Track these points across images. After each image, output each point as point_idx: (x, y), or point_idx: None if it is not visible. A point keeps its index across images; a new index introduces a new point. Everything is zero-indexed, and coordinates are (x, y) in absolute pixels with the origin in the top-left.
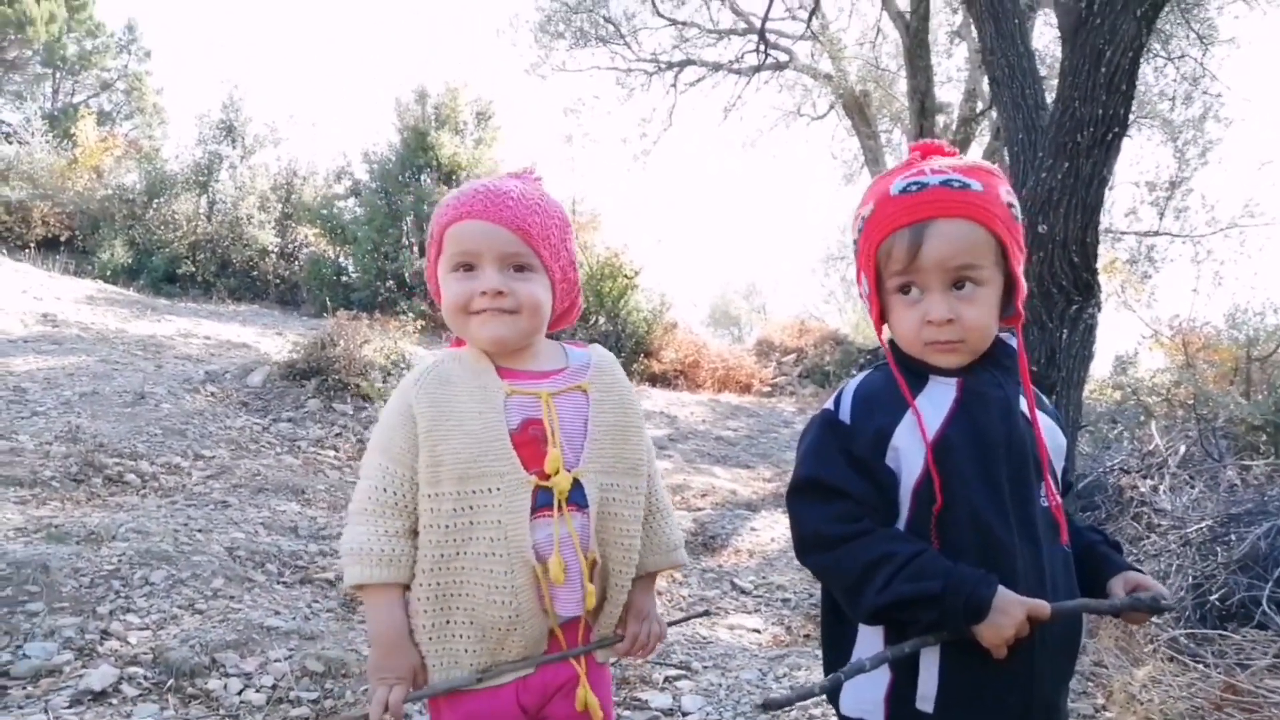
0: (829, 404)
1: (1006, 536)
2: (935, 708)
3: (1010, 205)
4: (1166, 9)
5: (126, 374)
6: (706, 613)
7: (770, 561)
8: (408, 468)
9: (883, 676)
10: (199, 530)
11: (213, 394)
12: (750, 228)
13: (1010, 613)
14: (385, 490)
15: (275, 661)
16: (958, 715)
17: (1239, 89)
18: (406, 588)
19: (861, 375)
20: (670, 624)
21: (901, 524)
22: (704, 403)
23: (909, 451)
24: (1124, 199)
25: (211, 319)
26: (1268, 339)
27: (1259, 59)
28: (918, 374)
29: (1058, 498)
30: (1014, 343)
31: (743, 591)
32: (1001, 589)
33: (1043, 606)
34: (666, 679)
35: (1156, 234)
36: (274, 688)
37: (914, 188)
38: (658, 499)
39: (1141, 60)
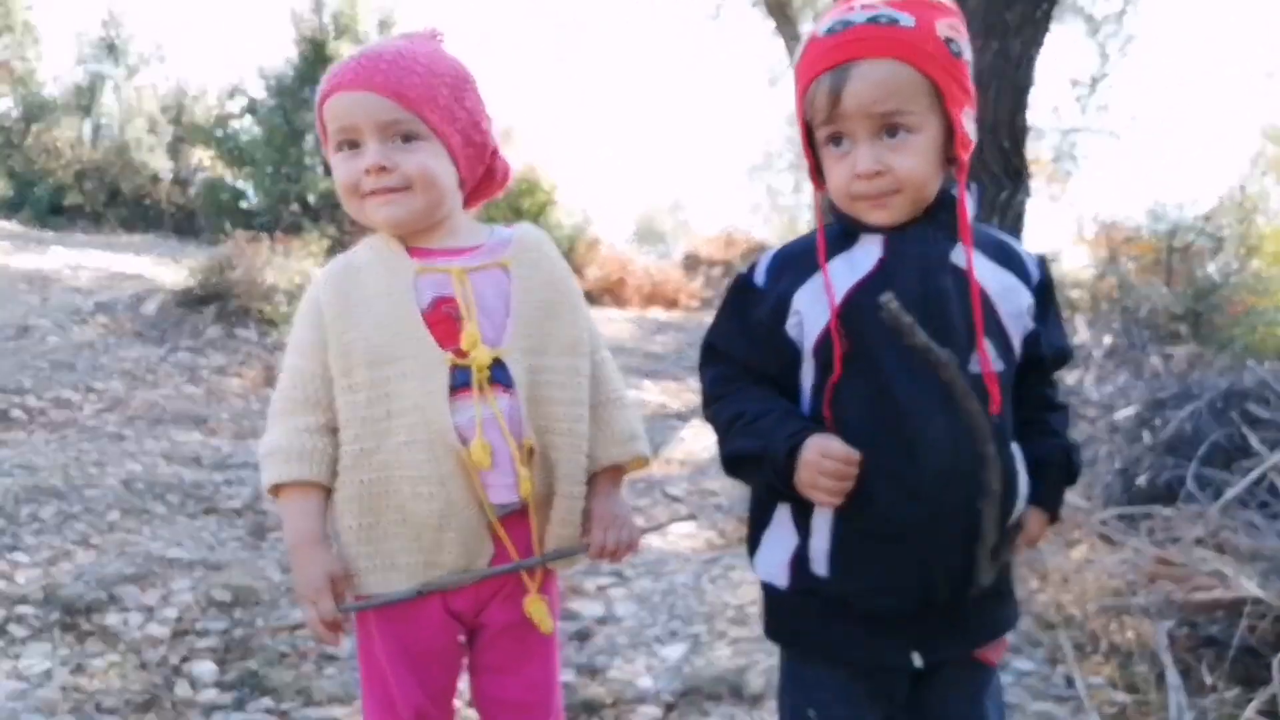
0: (748, 266)
1: (914, 406)
2: (828, 570)
3: (949, 41)
4: None
5: (9, 308)
6: (691, 517)
7: (702, 470)
8: (318, 363)
9: (789, 538)
10: (92, 464)
11: (104, 325)
12: (674, 139)
13: (806, 458)
14: (296, 388)
15: (179, 593)
16: (850, 580)
17: None
18: (330, 492)
19: (793, 239)
20: (646, 530)
21: (806, 389)
22: (631, 319)
23: (811, 314)
24: (1047, 96)
25: (102, 250)
26: (1187, 230)
27: None
28: (849, 234)
29: (991, 364)
30: (957, 190)
31: (674, 499)
32: (810, 439)
33: (842, 449)
34: (599, 587)
35: (1079, 130)
36: (179, 620)
37: (839, 26)
38: (610, 386)
39: None
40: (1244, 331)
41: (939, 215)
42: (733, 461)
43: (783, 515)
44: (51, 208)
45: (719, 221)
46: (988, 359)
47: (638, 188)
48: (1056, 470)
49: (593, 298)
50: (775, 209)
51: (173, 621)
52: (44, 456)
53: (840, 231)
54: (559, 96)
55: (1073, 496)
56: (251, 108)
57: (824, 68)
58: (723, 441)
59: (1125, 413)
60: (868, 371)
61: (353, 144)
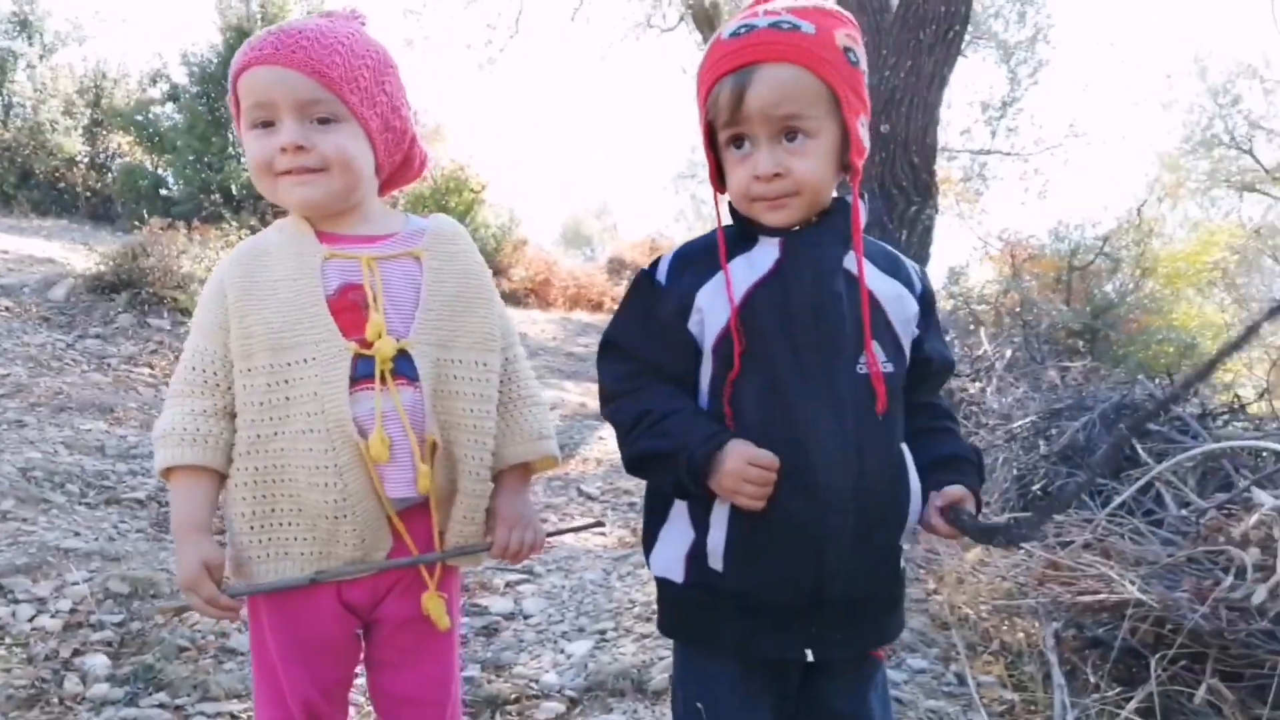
0: (650, 263)
1: (804, 403)
2: (724, 565)
3: (847, 50)
4: None
5: None
6: (598, 524)
7: (617, 469)
8: (219, 344)
9: (686, 534)
10: None
11: (8, 309)
12: (602, 145)
13: (729, 467)
14: (194, 369)
15: (73, 585)
16: (744, 575)
17: (1066, 12)
18: (224, 478)
19: (694, 238)
20: (553, 534)
21: (704, 385)
22: (555, 320)
23: (712, 312)
24: (959, 118)
25: (10, 233)
26: (1087, 250)
27: None
28: (748, 236)
29: (879, 366)
30: (851, 197)
31: (589, 497)
32: (732, 444)
33: (766, 456)
34: (508, 584)
35: (988, 152)
36: (72, 611)
37: (743, 30)
38: (521, 384)
39: None
40: (1138, 348)
41: (833, 220)
42: (639, 460)
43: (679, 511)
44: None
45: (644, 227)
46: (875, 359)
47: (565, 191)
48: (971, 463)
49: (518, 298)
50: (699, 217)
51: (65, 614)
52: None
53: (739, 233)
54: (489, 97)
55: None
56: (174, 94)
57: (727, 69)
58: (627, 440)
59: (1023, 422)
60: (763, 369)
61: (267, 122)
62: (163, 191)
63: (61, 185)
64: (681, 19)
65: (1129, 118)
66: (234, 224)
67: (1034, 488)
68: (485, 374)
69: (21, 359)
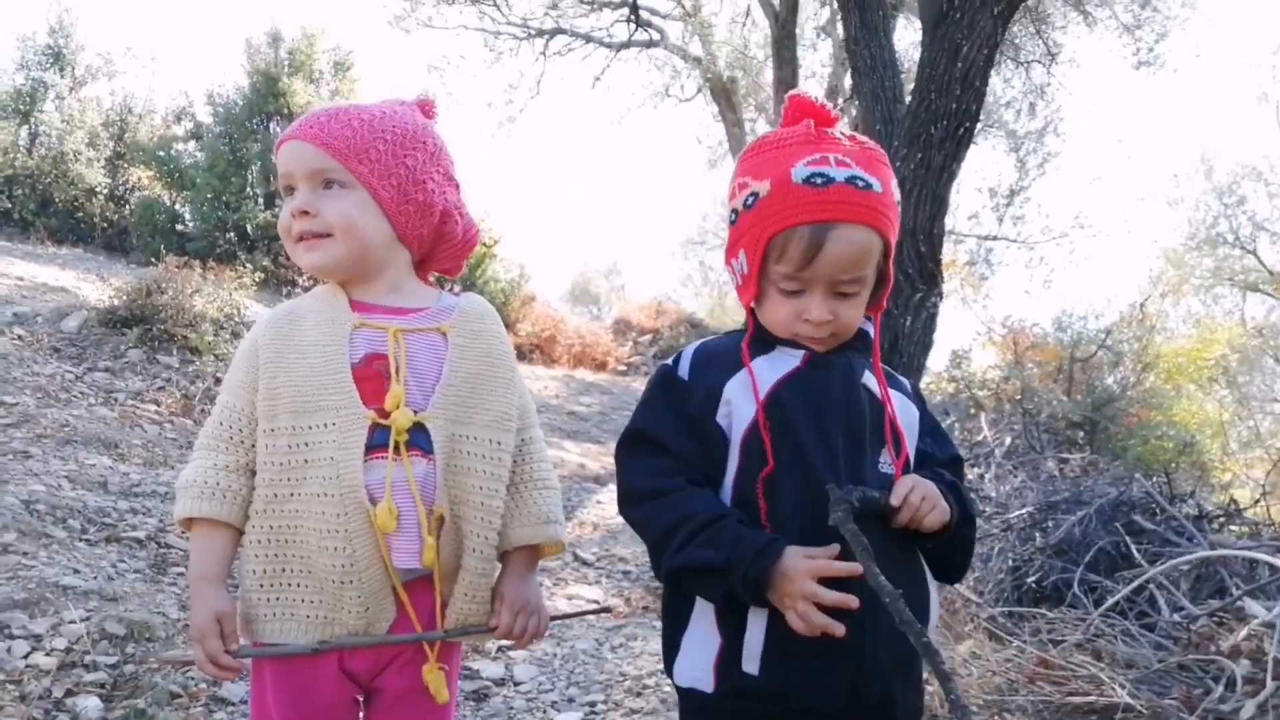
0: (670, 360)
1: None
2: (760, 669)
3: (897, 201)
4: (1019, 15)
5: None
6: (605, 609)
7: (614, 535)
8: (247, 403)
9: (713, 641)
10: None
11: (20, 337)
12: (615, 205)
13: (793, 578)
14: (221, 424)
15: (70, 623)
16: (782, 679)
17: (1077, 106)
18: (241, 534)
19: (705, 338)
20: (556, 618)
21: (729, 479)
22: (558, 378)
23: (740, 404)
24: (967, 204)
25: (27, 260)
26: (1089, 342)
27: (1094, 79)
28: (765, 341)
29: (905, 457)
30: (870, 329)
31: (584, 563)
32: (788, 554)
33: (831, 565)
34: (500, 648)
35: (995, 238)
36: (67, 651)
37: (819, 180)
38: (534, 466)
39: (994, 64)
40: (1137, 443)
41: (855, 344)
42: (683, 573)
43: (702, 614)
44: None
45: (652, 289)
46: (895, 460)
47: (576, 249)
48: (950, 476)
49: (523, 353)
50: (706, 283)
51: (60, 653)
52: None
53: (759, 338)
54: (506, 154)
55: (965, 591)
56: (197, 132)
57: (802, 220)
58: (667, 549)
59: (1020, 513)
60: (797, 462)
61: (289, 189)
62: (179, 227)
63: (80, 215)
64: (700, 91)
65: (1135, 213)
66: (248, 265)
67: (1029, 580)
68: (498, 453)
69: (31, 389)
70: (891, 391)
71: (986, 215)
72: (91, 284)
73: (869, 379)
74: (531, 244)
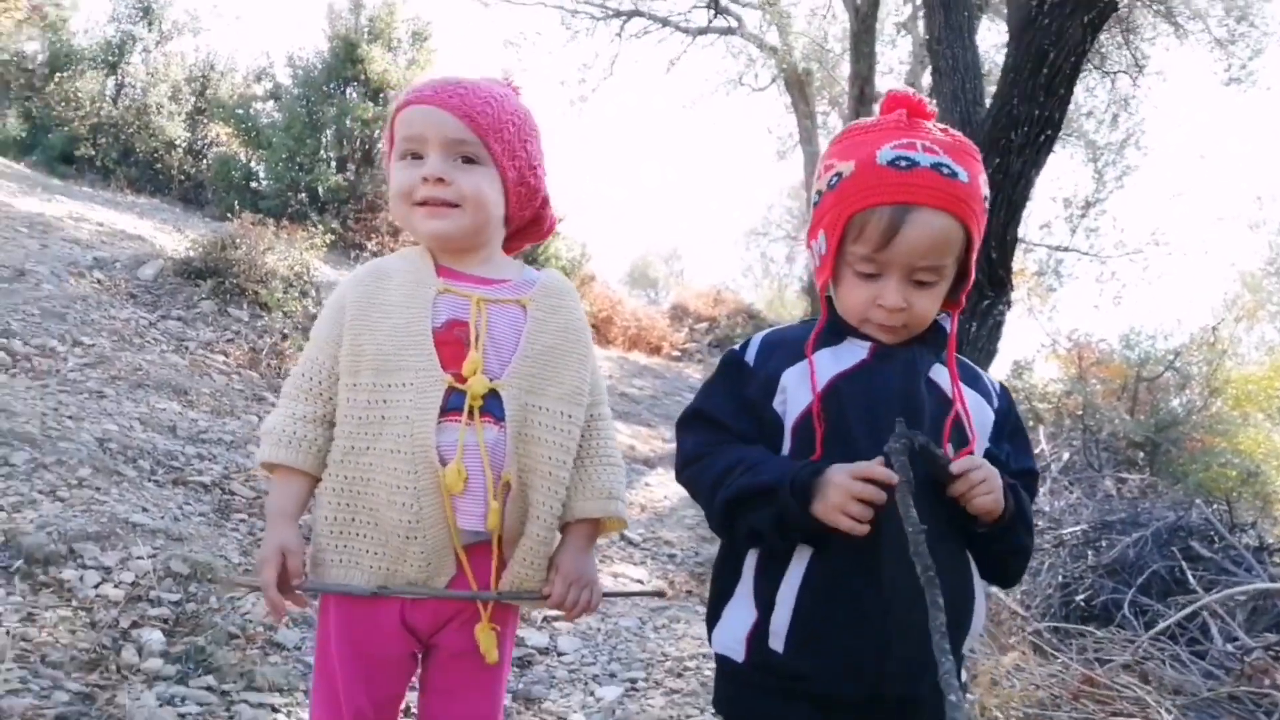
0: (739, 345)
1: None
2: (785, 647)
3: (985, 198)
4: (1108, 24)
5: (7, 249)
6: (659, 593)
7: (661, 518)
8: (330, 357)
9: (749, 615)
10: (69, 417)
11: (99, 281)
12: (680, 190)
13: (835, 481)
14: (305, 375)
15: (138, 558)
16: (806, 658)
17: (1161, 120)
18: (317, 480)
19: (779, 325)
20: (609, 595)
21: None
22: (613, 359)
23: (795, 392)
24: (1040, 212)
25: (107, 206)
26: (1156, 362)
27: (1182, 93)
28: (836, 331)
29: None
30: (948, 324)
31: (631, 543)
32: (834, 466)
33: (871, 468)
34: (545, 619)
35: (1066, 249)
36: (134, 584)
37: (903, 163)
38: (601, 442)
39: (1080, 72)
40: (1199, 468)
41: (926, 337)
42: (734, 502)
43: (745, 589)
44: (63, 156)
45: (711, 277)
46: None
47: (637, 232)
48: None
49: None
50: (766, 275)
51: (128, 585)
52: (23, 402)
53: (831, 328)
54: (575, 133)
55: (1011, 603)
56: (276, 93)
57: (883, 200)
58: (719, 487)
59: (1073, 530)
60: (844, 455)
61: (416, 155)
62: (253, 184)
63: (158, 166)
64: (774, 81)
65: (1214, 233)
66: (319, 226)
67: (1078, 598)
68: (568, 425)
69: (107, 332)
70: (966, 389)
71: (1059, 225)
72: (168, 234)
73: (939, 374)
74: (594, 224)
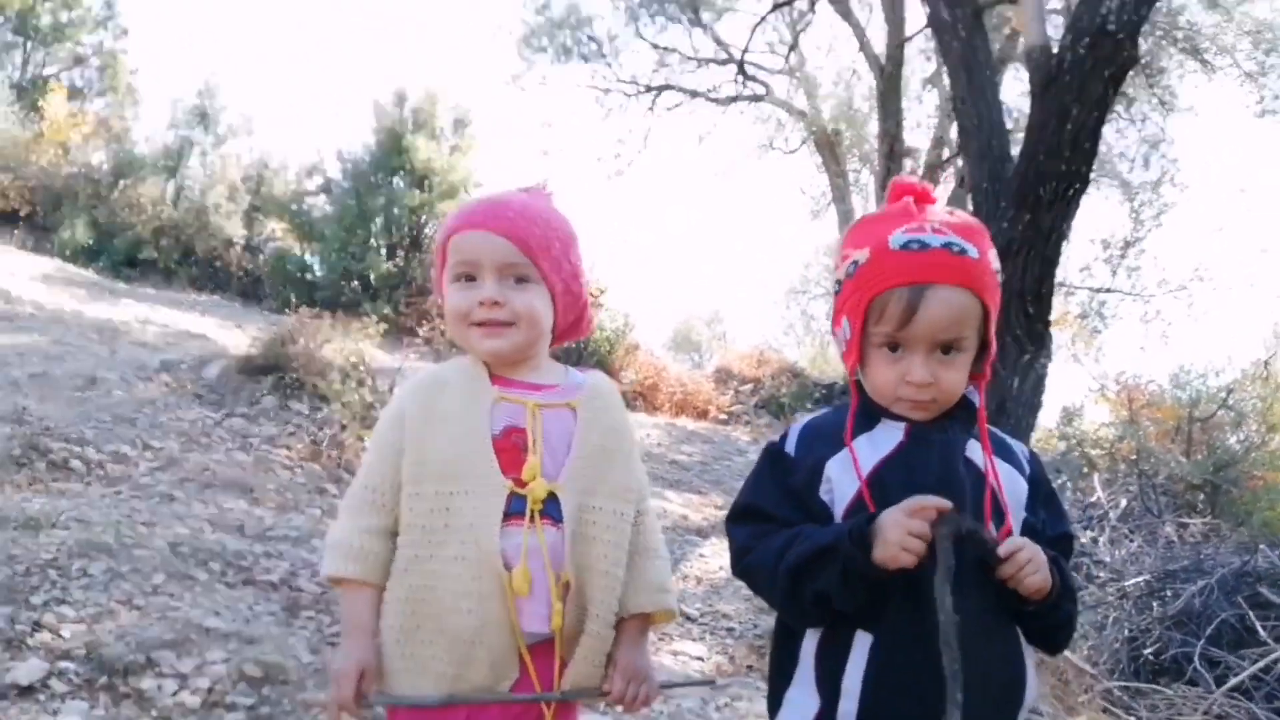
0: (777, 436)
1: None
2: None
3: (997, 271)
4: (1132, 73)
5: (79, 357)
6: (710, 683)
7: (717, 589)
8: (393, 467)
9: (812, 701)
10: (143, 523)
11: (167, 383)
12: (718, 254)
13: (891, 520)
14: (368, 488)
15: (213, 664)
16: None
17: (1196, 155)
18: (383, 589)
19: (814, 413)
20: (665, 686)
21: None
22: (661, 426)
23: (841, 482)
24: (1079, 254)
25: (170, 306)
26: (1209, 400)
27: (1215, 128)
28: (870, 415)
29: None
30: (975, 397)
31: (688, 618)
32: (885, 513)
33: (924, 501)
34: (607, 707)
35: (1108, 291)
36: (210, 690)
37: (915, 245)
38: (647, 535)
39: (1105, 121)
40: (1263, 507)
41: (957, 413)
42: (796, 571)
43: (805, 675)
44: (127, 260)
45: (753, 338)
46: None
47: (678, 296)
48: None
49: (626, 401)
50: (808, 332)
51: (204, 691)
52: (98, 511)
53: (863, 411)
54: (613, 205)
55: (1079, 661)
56: (327, 187)
57: (900, 282)
58: (778, 564)
59: (1136, 581)
60: None
61: (470, 277)
62: (308, 276)
63: (218, 264)
64: (804, 143)
65: (1258, 265)
66: (372, 314)
67: (1146, 652)
68: (621, 523)
69: (175, 433)
70: (999, 462)
71: (1099, 267)
72: (229, 331)
73: (974, 450)
74: (636, 292)
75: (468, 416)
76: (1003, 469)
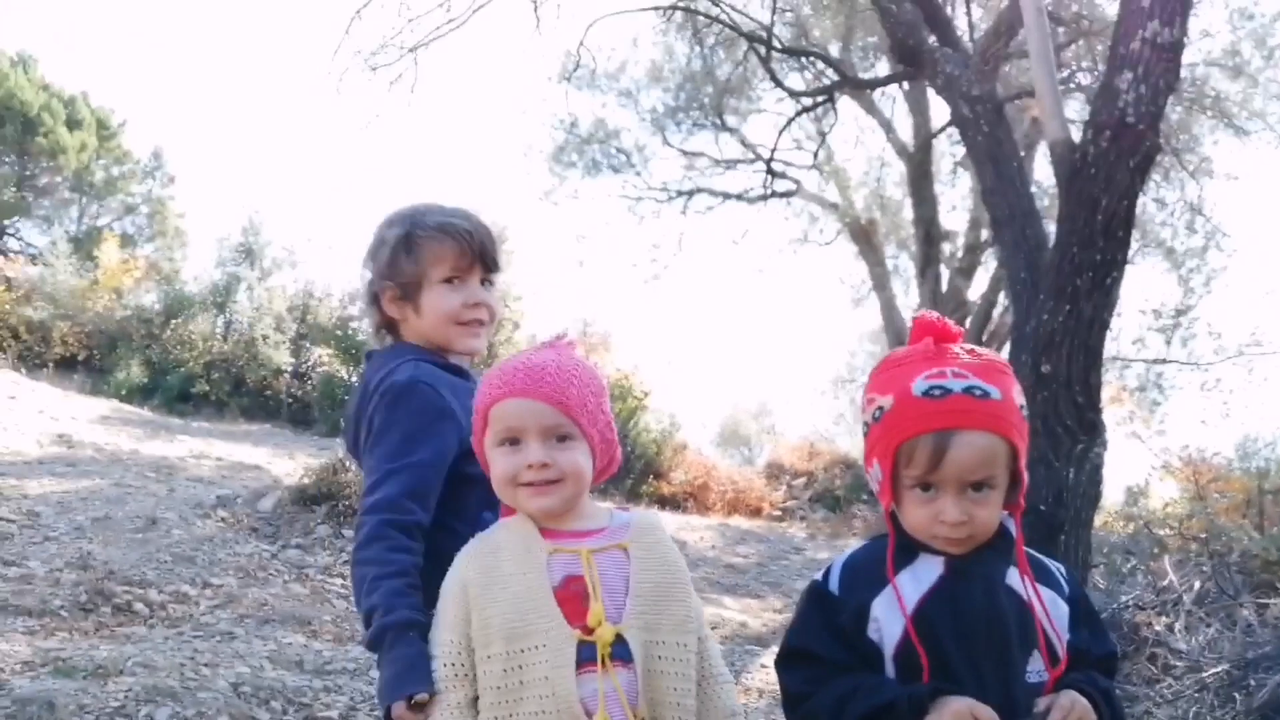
0: (819, 575)
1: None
2: None
3: (1022, 407)
4: (1164, 149)
5: (139, 498)
6: None
7: (779, 703)
8: (462, 635)
9: None
10: (205, 664)
11: (223, 519)
12: (760, 348)
13: (954, 707)
14: (446, 665)
15: None
16: None
17: (1240, 220)
18: None
19: (853, 548)
20: None
21: None
22: (713, 527)
23: (888, 621)
24: (1131, 327)
25: (224, 439)
26: (1279, 471)
27: (1256, 191)
28: (908, 549)
29: (1050, 672)
30: (1012, 525)
31: None
32: (948, 696)
33: (982, 707)
34: None
35: (1164, 361)
36: None
37: (937, 392)
38: (712, 663)
39: (1139, 199)
40: None
41: (995, 542)
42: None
43: None
44: (181, 395)
45: (803, 429)
46: (1049, 668)
47: (724, 391)
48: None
49: (677, 502)
50: (858, 421)
51: None
52: (162, 654)
53: (903, 546)
54: (653, 307)
55: None
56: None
57: (925, 429)
58: (840, 714)
59: (1216, 671)
60: (946, 679)
61: (514, 441)
62: None
63: (268, 393)
64: (839, 234)
65: None
66: None
67: None
68: (686, 654)
69: (233, 569)
70: (1041, 589)
71: (1153, 338)
72: (282, 461)
73: (1013, 578)
74: (680, 392)
75: (527, 574)
76: (1045, 593)
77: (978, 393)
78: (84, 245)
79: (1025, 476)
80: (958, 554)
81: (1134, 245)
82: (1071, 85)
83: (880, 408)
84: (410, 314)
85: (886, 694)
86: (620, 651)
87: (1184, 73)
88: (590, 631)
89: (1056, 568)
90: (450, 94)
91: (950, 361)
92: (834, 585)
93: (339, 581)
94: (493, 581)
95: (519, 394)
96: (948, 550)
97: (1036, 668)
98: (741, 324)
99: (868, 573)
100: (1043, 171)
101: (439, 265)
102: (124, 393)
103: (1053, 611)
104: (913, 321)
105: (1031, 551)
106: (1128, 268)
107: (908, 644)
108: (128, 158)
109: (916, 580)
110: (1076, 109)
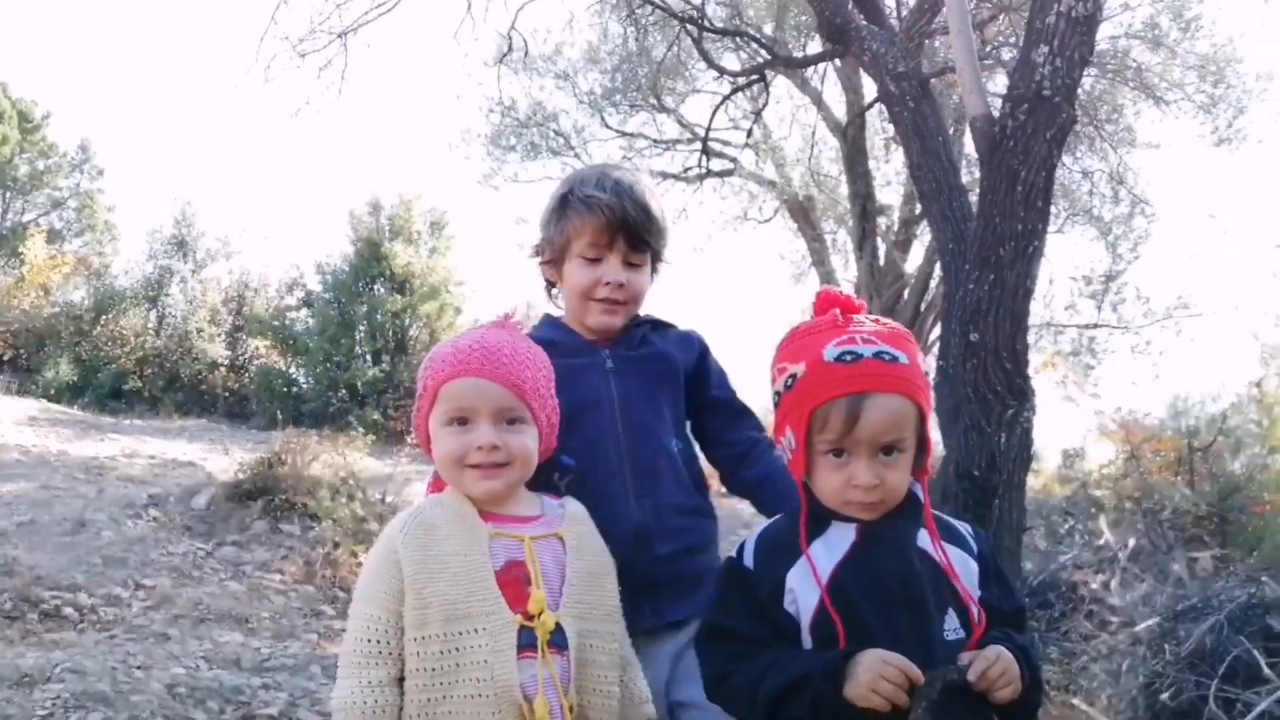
0: (735, 551)
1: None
2: None
3: (926, 373)
4: (1086, 118)
5: (67, 500)
6: None
7: None
8: (393, 614)
9: None
10: (138, 667)
11: (155, 519)
12: (702, 326)
13: (865, 662)
14: (370, 640)
15: None
16: None
17: (1164, 187)
18: None
19: (766, 523)
20: None
21: None
22: None
23: (804, 592)
24: (1063, 293)
25: (157, 436)
26: (1208, 429)
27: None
28: (820, 518)
29: (971, 629)
30: (919, 490)
31: None
32: (863, 653)
33: (899, 658)
34: None
35: (1096, 326)
36: None
37: (848, 357)
38: (627, 652)
39: (1060, 169)
40: (1272, 531)
41: (904, 508)
42: (773, 701)
43: None
44: (112, 392)
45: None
46: (972, 624)
47: None
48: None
49: None
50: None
51: None
52: (93, 659)
53: (814, 516)
54: None
55: (1098, 713)
56: (308, 300)
57: (839, 393)
58: (756, 693)
59: (1147, 624)
60: (863, 645)
61: (463, 420)
62: (293, 390)
63: (203, 387)
64: (777, 211)
65: (1239, 288)
66: (359, 426)
67: (1163, 696)
68: (612, 643)
69: (166, 569)
70: (949, 547)
71: (1085, 303)
72: (217, 456)
73: (925, 541)
74: None
75: (468, 555)
76: (954, 553)
77: (887, 357)
78: (9, 242)
79: (933, 441)
80: (869, 520)
81: (1063, 214)
82: (994, 61)
83: (793, 375)
84: (560, 279)
85: (801, 665)
86: (557, 639)
87: (1105, 45)
88: (531, 618)
89: (964, 528)
90: (384, 80)
91: (858, 329)
92: (749, 560)
93: (277, 578)
94: (430, 559)
95: (473, 373)
96: (860, 517)
97: (953, 625)
98: (684, 302)
99: (781, 545)
100: (972, 145)
101: (579, 238)
102: (53, 392)
103: (962, 571)
104: (817, 296)
105: (939, 514)
106: (1059, 236)
107: (823, 613)
108: (53, 150)
109: (830, 549)
110: (1000, 83)
